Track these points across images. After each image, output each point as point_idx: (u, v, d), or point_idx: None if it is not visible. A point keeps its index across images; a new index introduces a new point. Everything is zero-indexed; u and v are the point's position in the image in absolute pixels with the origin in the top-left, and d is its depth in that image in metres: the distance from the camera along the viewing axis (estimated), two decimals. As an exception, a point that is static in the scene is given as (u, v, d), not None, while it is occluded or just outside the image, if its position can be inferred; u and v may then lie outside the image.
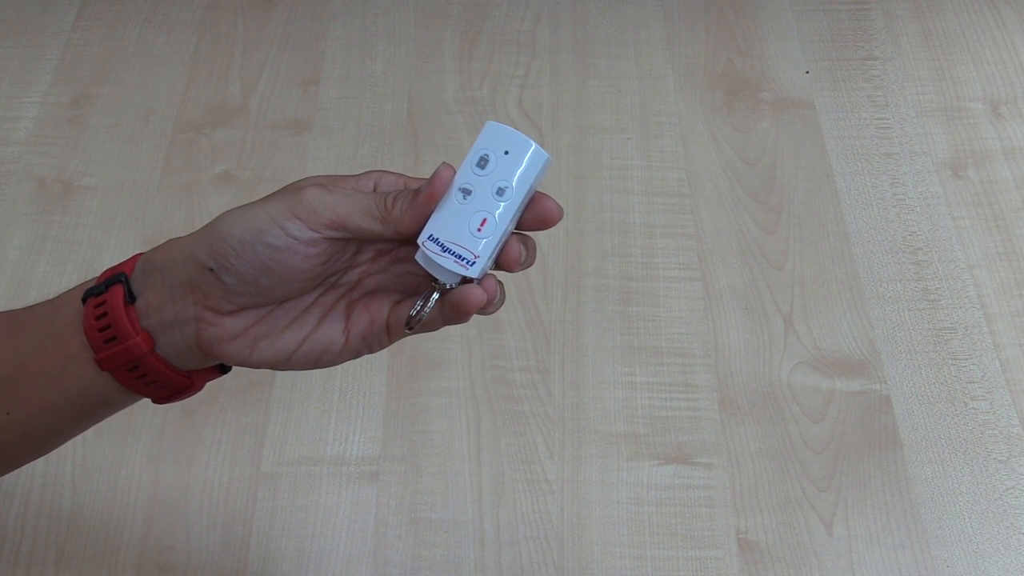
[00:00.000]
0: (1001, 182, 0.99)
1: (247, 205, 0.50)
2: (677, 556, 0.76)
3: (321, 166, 1.01)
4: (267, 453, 0.82)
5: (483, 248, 0.49)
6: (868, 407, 0.84)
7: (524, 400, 0.84)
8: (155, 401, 0.55)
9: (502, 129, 0.50)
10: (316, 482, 0.80)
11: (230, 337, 0.51)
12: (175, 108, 1.07)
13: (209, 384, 0.56)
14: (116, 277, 0.52)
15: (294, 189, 0.50)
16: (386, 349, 0.54)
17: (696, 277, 0.92)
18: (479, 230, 0.49)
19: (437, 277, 0.51)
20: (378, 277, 0.54)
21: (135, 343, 0.51)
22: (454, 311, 0.50)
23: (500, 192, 0.49)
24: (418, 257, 0.51)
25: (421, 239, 0.50)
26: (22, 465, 0.59)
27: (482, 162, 0.50)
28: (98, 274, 0.54)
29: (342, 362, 0.54)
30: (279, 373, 0.83)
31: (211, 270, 0.50)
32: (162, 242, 0.53)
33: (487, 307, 0.50)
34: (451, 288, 0.51)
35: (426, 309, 0.51)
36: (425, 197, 0.49)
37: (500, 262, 0.51)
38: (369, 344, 0.53)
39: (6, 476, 0.59)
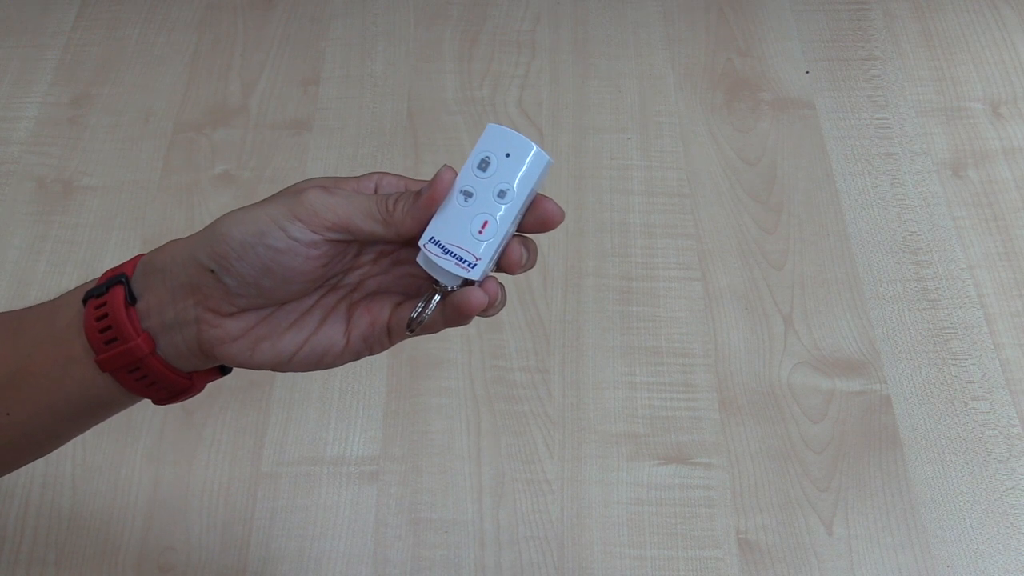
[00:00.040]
0: (1001, 182, 0.99)
1: (248, 207, 0.50)
2: (677, 556, 0.76)
3: (321, 166, 1.01)
4: (267, 453, 0.82)
5: (484, 250, 0.49)
6: (868, 407, 0.84)
7: (524, 400, 0.84)
8: (155, 402, 0.55)
9: (503, 131, 0.50)
10: (316, 482, 0.80)
11: (231, 339, 0.51)
12: (175, 108, 1.06)
13: (209, 384, 0.56)
14: (117, 278, 0.52)
15: (295, 191, 0.50)
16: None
17: (696, 277, 0.92)
18: (480, 232, 0.49)
19: (438, 279, 0.51)
20: (379, 279, 0.54)
21: (136, 344, 0.51)
22: (455, 313, 0.50)
23: (501, 194, 0.49)
24: (419, 259, 0.51)
25: (422, 241, 0.50)
26: (22, 466, 0.59)
27: (483, 164, 0.50)
28: (98, 275, 0.53)
29: (343, 363, 0.53)
30: (279, 373, 0.84)
31: (212, 272, 0.50)
32: (162, 242, 0.53)
33: (488, 309, 0.50)
34: (452, 290, 0.51)
35: (427, 311, 0.51)
36: (426, 199, 0.49)
37: (501, 264, 0.51)
38: (370, 346, 0.53)
39: (6, 476, 0.59)
